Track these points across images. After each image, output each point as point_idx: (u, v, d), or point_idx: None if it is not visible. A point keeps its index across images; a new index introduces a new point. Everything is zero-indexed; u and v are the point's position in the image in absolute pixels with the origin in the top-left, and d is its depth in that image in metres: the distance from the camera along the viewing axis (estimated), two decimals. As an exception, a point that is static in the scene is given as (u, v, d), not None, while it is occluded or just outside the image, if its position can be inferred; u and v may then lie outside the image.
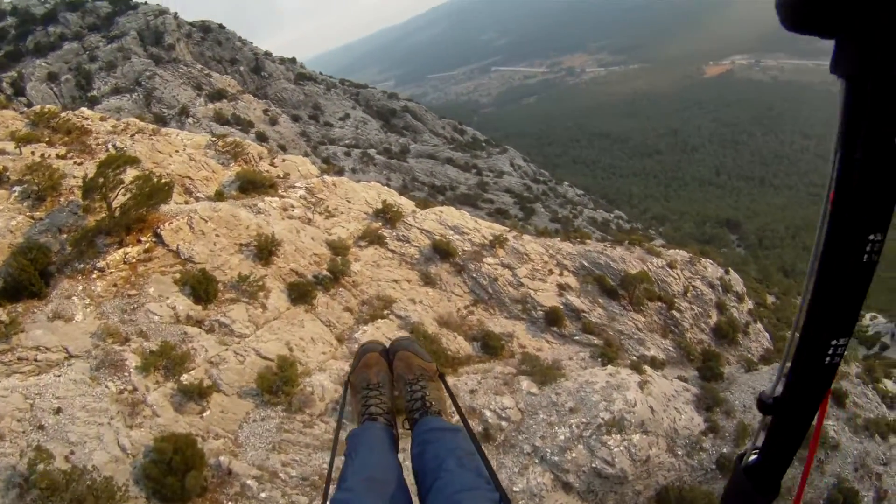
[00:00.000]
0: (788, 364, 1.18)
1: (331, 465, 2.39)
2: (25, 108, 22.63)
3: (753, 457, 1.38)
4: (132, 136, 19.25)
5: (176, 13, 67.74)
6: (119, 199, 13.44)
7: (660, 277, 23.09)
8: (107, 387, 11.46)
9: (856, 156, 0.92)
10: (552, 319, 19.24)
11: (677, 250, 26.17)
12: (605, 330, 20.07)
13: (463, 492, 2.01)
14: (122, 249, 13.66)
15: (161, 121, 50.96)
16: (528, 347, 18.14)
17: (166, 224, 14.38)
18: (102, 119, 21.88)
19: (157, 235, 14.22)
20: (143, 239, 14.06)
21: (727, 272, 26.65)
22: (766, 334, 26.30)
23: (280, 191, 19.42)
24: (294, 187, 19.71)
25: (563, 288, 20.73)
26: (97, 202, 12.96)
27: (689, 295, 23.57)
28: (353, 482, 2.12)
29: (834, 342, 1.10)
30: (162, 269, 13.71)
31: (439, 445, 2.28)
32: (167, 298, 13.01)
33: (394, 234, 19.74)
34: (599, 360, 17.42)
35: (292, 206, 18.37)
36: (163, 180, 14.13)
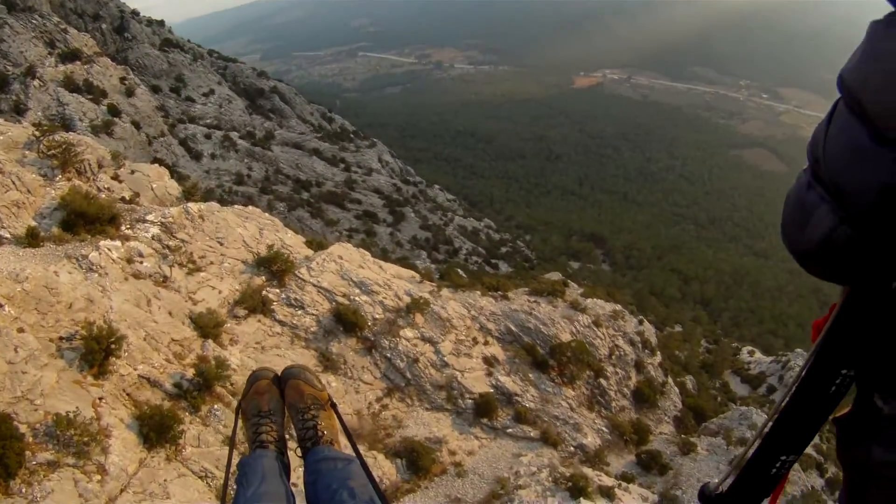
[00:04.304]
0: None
1: (223, 494, 2.24)
2: None
3: None
4: None
5: (38, -50, 54.53)
6: None
7: (588, 340, 20.89)
8: None
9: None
10: (483, 410, 15.99)
11: (595, 300, 24.05)
12: (540, 416, 17.38)
13: None
14: None
15: (3, 80, 41.06)
16: (458, 454, 14.60)
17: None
18: None
19: None
20: None
21: (641, 322, 25.51)
22: (676, 389, 25.38)
23: (124, 227, 13.60)
24: (145, 221, 13.95)
25: (490, 363, 17.50)
26: None
27: (613, 357, 21.78)
28: None
29: (783, 457, 1.13)
30: None
31: (332, 476, 2.22)
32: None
33: (283, 295, 14.70)
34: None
35: (140, 256, 12.72)
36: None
